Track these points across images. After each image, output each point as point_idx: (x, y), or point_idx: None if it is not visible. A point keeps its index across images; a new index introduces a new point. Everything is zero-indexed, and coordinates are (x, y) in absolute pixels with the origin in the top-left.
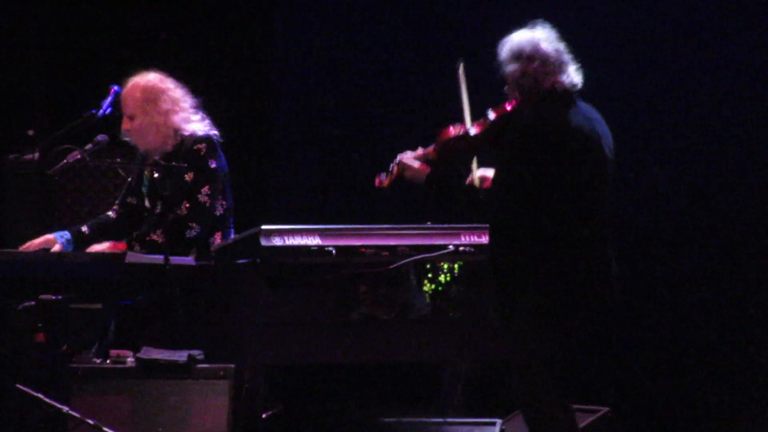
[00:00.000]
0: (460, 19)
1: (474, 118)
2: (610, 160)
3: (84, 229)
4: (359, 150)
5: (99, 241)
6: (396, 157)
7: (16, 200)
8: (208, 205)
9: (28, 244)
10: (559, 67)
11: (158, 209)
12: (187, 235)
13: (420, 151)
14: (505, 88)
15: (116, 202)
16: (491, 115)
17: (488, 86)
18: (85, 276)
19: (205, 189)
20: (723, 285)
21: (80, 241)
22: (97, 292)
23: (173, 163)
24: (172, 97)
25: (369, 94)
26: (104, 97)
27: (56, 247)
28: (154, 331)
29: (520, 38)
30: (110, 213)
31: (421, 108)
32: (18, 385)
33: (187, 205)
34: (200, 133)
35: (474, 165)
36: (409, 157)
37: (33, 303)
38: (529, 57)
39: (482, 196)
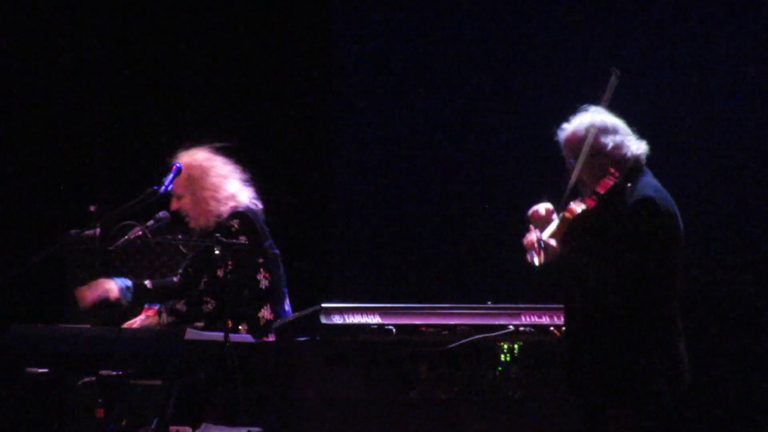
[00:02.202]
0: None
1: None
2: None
3: (147, 283)
4: (422, 224)
5: (156, 300)
6: (531, 234)
7: (78, 276)
8: (227, 279)
9: (87, 286)
10: (633, 137)
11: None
12: (203, 310)
13: (550, 229)
14: (576, 169)
15: (183, 264)
16: (598, 191)
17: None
18: (144, 352)
19: (228, 266)
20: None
21: (141, 293)
22: (157, 368)
23: (233, 240)
24: (219, 174)
25: (434, 167)
26: (166, 173)
27: (114, 292)
28: (213, 407)
29: (595, 117)
30: (175, 278)
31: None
32: None
33: (205, 280)
34: (240, 207)
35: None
36: (547, 238)
37: (93, 378)
38: (614, 130)
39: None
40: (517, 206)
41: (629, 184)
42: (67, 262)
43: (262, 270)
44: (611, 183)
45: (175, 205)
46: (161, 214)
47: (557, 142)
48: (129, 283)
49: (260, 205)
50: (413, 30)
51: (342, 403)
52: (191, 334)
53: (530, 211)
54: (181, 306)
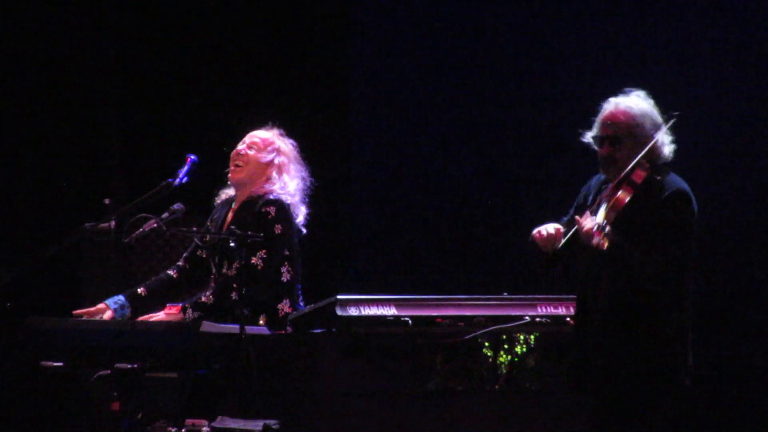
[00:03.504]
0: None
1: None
2: None
3: (140, 290)
4: (438, 216)
5: (157, 302)
6: (587, 220)
7: (93, 269)
8: (260, 268)
9: (80, 312)
10: (668, 139)
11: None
12: (232, 297)
13: (599, 219)
14: (607, 150)
15: (184, 255)
16: (635, 179)
17: None
18: (160, 345)
19: (262, 252)
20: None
21: (137, 303)
22: (173, 361)
23: (248, 233)
24: (296, 170)
25: (448, 159)
26: (181, 165)
27: (108, 315)
28: (229, 400)
29: (649, 104)
30: (170, 272)
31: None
32: None
33: (236, 266)
34: (281, 197)
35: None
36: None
37: (108, 372)
38: (658, 123)
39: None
40: (534, 197)
41: (658, 177)
42: (83, 255)
43: (286, 263)
44: (645, 174)
45: (244, 152)
46: (176, 206)
47: (594, 116)
48: (123, 299)
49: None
50: (429, 35)
51: (358, 395)
52: (207, 326)
53: (535, 232)
54: (206, 298)
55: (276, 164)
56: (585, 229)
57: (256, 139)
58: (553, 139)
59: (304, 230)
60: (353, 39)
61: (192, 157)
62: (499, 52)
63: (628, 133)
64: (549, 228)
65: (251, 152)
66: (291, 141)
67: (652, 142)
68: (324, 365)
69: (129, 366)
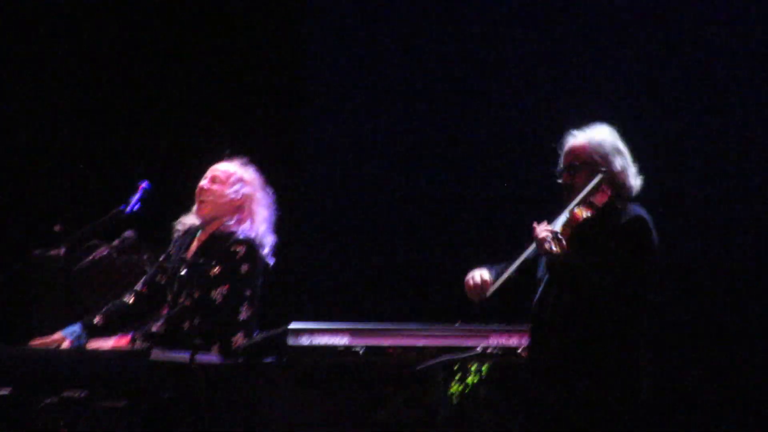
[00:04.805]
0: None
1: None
2: None
3: (96, 320)
4: (392, 245)
5: (114, 330)
6: (542, 226)
7: (42, 296)
8: (218, 303)
9: (37, 343)
10: (631, 167)
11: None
12: (184, 327)
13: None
14: (567, 176)
15: (142, 280)
16: (596, 202)
17: None
18: (109, 373)
19: (223, 288)
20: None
21: (94, 333)
22: (122, 389)
23: (201, 260)
24: (262, 196)
25: (404, 186)
26: (133, 192)
27: (65, 345)
28: (178, 428)
29: (612, 135)
30: (126, 299)
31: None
32: None
33: (195, 297)
34: (251, 236)
35: None
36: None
37: (56, 399)
38: (621, 153)
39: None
40: (487, 228)
41: (619, 206)
42: (32, 282)
43: (246, 303)
44: (605, 199)
45: (206, 185)
46: (127, 233)
47: (556, 147)
48: (79, 329)
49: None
50: (387, 59)
51: (309, 425)
52: (157, 353)
53: (468, 277)
54: (156, 328)
55: (242, 196)
56: (540, 236)
57: (218, 173)
58: (514, 164)
59: (272, 260)
60: (308, 59)
61: (144, 184)
62: (459, 83)
63: (584, 162)
64: (476, 277)
65: (215, 186)
66: (254, 169)
67: (599, 159)
68: (275, 395)
69: (77, 394)
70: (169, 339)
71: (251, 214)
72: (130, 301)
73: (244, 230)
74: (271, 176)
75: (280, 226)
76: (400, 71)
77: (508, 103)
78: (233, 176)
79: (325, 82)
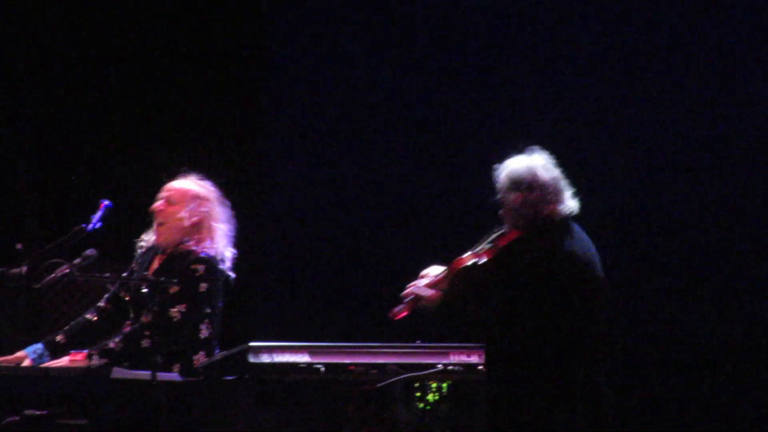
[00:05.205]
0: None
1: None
2: (604, 280)
3: (59, 338)
4: (352, 262)
5: (77, 347)
6: (407, 287)
7: (3, 315)
8: (176, 320)
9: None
10: (556, 196)
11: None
12: (142, 344)
13: (431, 279)
14: (501, 211)
15: (105, 298)
16: (499, 244)
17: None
18: (70, 391)
19: (182, 306)
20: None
21: (56, 352)
22: (83, 407)
23: (162, 278)
24: (218, 212)
25: (362, 205)
26: (95, 211)
27: (26, 363)
28: None
29: (518, 166)
30: (89, 316)
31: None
32: None
33: (154, 315)
34: (211, 255)
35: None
36: (422, 287)
37: (17, 418)
38: (528, 186)
39: (484, 318)
40: (448, 249)
41: (527, 238)
42: None
43: (207, 320)
44: (514, 237)
45: (160, 207)
46: (89, 252)
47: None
48: (41, 348)
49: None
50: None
51: None
52: (118, 372)
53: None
54: (114, 345)
55: (199, 214)
56: (458, 261)
57: (172, 192)
58: (467, 188)
59: (233, 274)
60: (268, 82)
61: (106, 202)
62: (418, 108)
63: (506, 189)
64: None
65: (170, 208)
66: (209, 184)
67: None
68: (236, 413)
69: (38, 413)
70: (126, 356)
71: (210, 232)
72: (94, 319)
73: (203, 248)
74: (231, 195)
75: (240, 246)
76: (361, 87)
77: (466, 131)
78: (188, 195)
79: (285, 110)
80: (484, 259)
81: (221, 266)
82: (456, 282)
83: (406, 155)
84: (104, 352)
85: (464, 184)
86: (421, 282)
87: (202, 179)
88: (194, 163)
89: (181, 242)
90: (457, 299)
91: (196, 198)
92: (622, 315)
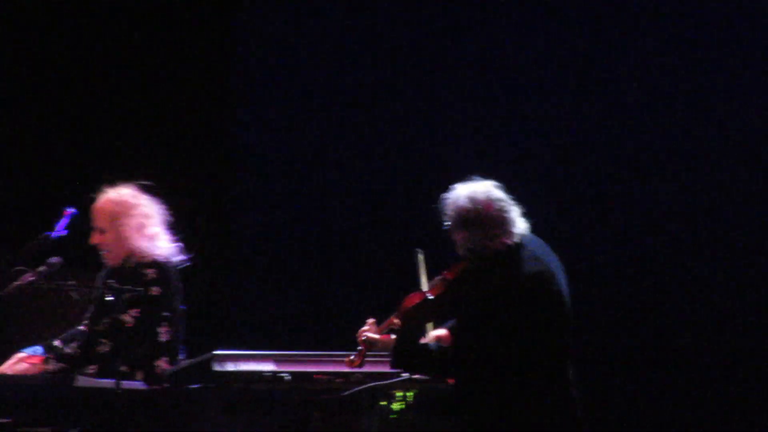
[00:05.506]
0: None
1: (429, 279)
2: (566, 294)
3: (56, 343)
4: (318, 272)
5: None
6: (358, 334)
7: None
8: (129, 326)
9: (8, 366)
10: (503, 227)
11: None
12: (98, 350)
13: (382, 324)
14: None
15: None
16: (447, 277)
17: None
18: (33, 399)
19: (134, 311)
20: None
21: (62, 359)
22: (47, 415)
23: (128, 287)
24: (143, 213)
25: (329, 214)
26: (59, 219)
27: (37, 362)
28: None
29: (464, 203)
30: (82, 327)
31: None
32: None
33: (107, 321)
34: (160, 258)
35: (429, 326)
36: (372, 331)
37: None
38: (474, 224)
39: (448, 355)
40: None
41: (475, 268)
42: None
43: (165, 323)
44: (460, 267)
45: (96, 239)
46: (53, 259)
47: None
48: (41, 350)
49: (180, 256)
50: (316, 73)
51: None
52: (82, 381)
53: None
54: (71, 350)
55: (129, 226)
56: (408, 300)
57: (98, 220)
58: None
59: (186, 261)
60: (236, 90)
61: (70, 209)
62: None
63: (453, 226)
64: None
65: (104, 237)
66: (127, 189)
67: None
68: (201, 421)
69: (2, 420)
70: (84, 361)
71: (147, 236)
72: (85, 329)
73: (148, 252)
74: (197, 200)
75: (206, 253)
76: (327, 92)
77: (443, 131)
78: (111, 215)
79: (254, 129)
80: (433, 295)
81: (172, 264)
82: (408, 322)
83: (378, 158)
84: (61, 357)
85: (439, 185)
86: (370, 327)
87: (118, 189)
88: (160, 167)
89: (129, 255)
90: (412, 338)
91: (119, 215)
92: (621, 315)
